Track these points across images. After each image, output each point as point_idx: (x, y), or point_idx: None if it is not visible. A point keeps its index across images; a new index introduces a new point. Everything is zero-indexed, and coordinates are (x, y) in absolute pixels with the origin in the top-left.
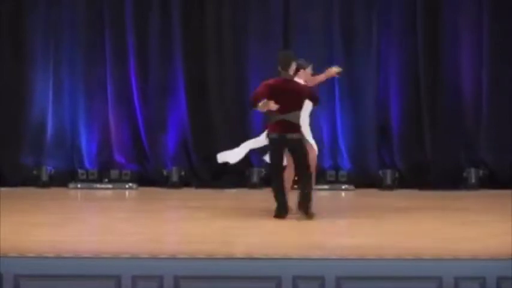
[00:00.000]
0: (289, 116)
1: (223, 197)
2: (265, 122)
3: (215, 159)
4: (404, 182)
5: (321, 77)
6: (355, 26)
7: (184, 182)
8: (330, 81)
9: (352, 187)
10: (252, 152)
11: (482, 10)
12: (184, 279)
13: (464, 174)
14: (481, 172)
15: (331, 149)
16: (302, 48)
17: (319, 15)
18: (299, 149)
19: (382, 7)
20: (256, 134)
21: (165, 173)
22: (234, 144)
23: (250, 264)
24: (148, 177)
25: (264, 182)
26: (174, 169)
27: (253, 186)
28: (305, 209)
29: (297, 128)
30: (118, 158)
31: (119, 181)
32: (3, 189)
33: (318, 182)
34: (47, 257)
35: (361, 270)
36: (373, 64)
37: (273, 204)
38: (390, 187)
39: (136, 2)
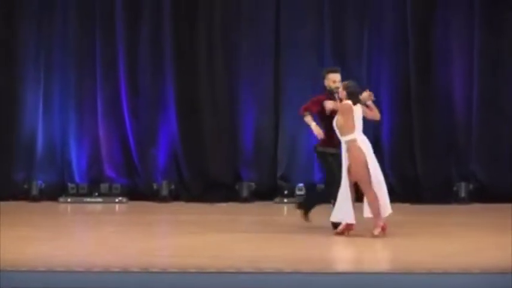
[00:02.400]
0: None
1: (214, 211)
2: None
3: (205, 173)
4: (395, 196)
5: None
6: (346, 42)
7: (174, 196)
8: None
9: None
10: (241, 166)
11: (473, 26)
12: None
13: (455, 189)
14: (471, 186)
15: None
16: (293, 64)
17: (310, 31)
18: None
19: (373, 23)
20: (246, 150)
21: (155, 186)
22: (224, 159)
23: (241, 278)
24: (139, 191)
25: (254, 196)
26: (164, 183)
27: (244, 200)
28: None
29: None
30: (108, 172)
31: (109, 195)
32: None
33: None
34: (38, 271)
35: (354, 284)
36: (364, 79)
37: (263, 218)
38: None
39: (127, 17)
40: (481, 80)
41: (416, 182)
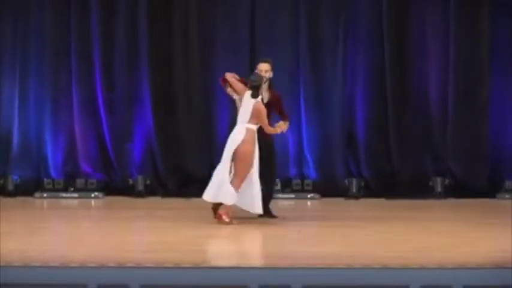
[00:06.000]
0: None
1: (189, 206)
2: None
3: (181, 168)
4: (370, 191)
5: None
6: (322, 37)
7: (150, 191)
8: (296, 90)
9: (317, 196)
10: (217, 161)
11: (449, 21)
12: None
13: (430, 183)
14: (446, 181)
15: (296, 157)
16: None
17: (286, 26)
18: None
19: (349, 17)
20: (222, 145)
21: (130, 181)
22: (200, 154)
23: (217, 274)
24: (114, 186)
25: None
26: (140, 178)
27: None
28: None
29: None
30: (84, 167)
31: (84, 190)
32: None
33: (283, 191)
34: (14, 266)
35: (328, 279)
36: (339, 74)
37: (238, 213)
38: (356, 196)
39: (103, 12)
40: (457, 77)
41: (392, 177)
